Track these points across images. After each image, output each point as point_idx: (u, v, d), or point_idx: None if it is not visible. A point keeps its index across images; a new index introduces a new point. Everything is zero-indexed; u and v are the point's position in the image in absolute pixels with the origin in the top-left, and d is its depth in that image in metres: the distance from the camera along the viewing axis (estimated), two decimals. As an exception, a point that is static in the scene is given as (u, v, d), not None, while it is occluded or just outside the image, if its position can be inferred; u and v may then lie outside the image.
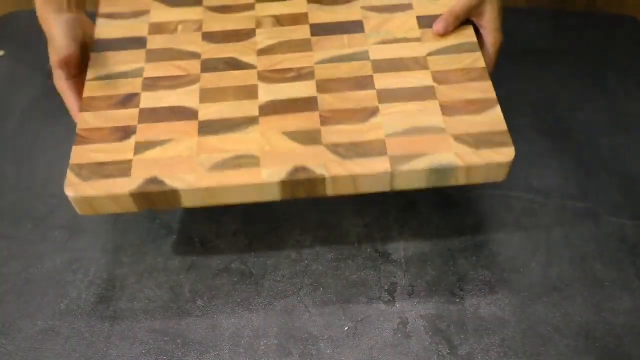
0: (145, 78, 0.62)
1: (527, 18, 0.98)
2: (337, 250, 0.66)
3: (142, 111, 0.60)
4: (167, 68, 0.63)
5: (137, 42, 0.66)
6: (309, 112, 0.59)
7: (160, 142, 0.57)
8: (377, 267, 0.64)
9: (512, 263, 0.64)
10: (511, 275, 0.63)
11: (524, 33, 0.94)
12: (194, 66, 0.63)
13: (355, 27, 0.66)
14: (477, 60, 0.62)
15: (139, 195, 0.54)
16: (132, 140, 0.57)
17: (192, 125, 0.58)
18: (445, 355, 0.57)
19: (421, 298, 0.61)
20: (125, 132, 0.58)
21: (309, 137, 0.57)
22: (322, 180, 0.55)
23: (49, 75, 0.64)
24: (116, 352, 0.59)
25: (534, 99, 0.83)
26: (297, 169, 0.55)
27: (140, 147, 0.57)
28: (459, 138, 0.56)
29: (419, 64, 0.62)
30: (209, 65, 0.63)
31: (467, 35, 0.64)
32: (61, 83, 0.62)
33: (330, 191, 0.56)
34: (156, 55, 0.64)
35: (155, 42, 0.66)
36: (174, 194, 0.54)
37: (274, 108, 0.59)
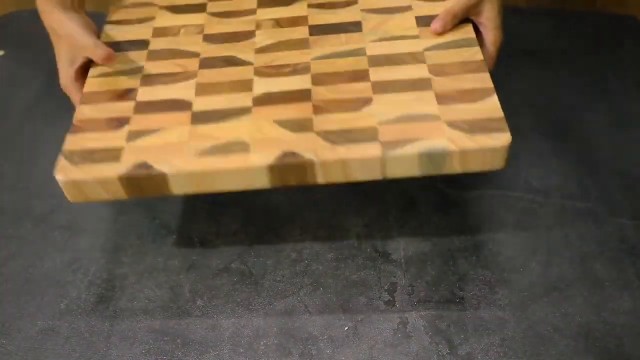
0: (144, 75, 0.63)
1: (527, 18, 0.98)
2: (337, 250, 0.66)
3: (138, 104, 0.60)
4: (167, 66, 0.64)
5: (140, 44, 0.67)
6: (302, 103, 0.58)
7: (153, 131, 0.57)
8: (377, 267, 0.64)
9: (512, 263, 0.64)
10: (511, 275, 0.63)
11: (524, 33, 0.94)
12: (192, 64, 0.64)
13: (353, 27, 0.66)
14: (475, 54, 0.61)
15: (127, 180, 0.54)
16: (126, 130, 0.58)
17: (186, 116, 0.58)
18: (445, 355, 0.57)
19: (421, 298, 0.61)
20: (119, 122, 0.58)
21: (300, 125, 0.56)
22: (311, 165, 0.54)
23: (52, 75, 0.64)
24: (116, 352, 0.59)
25: (534, 99, 0.83)
26: (286, 154, 0.54)
27: (132, 136, 0.57)
28: (453, 124, 0.55)
29: (415, 58, 0.62)
30: (207, 63, 0.64)
31: (466, 32, 0.64)
32: (69, 82, 0.63)
33: (321, 178, 0.55)
34: (157, 55, 0.65)
35: (158, 43, 0.67)
36: (162, 178, 0.54)
37: (267, 99, 0.59)
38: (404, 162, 0.54)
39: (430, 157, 0.53)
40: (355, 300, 0.61)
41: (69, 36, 0.62)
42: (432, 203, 0.70)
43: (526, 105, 0.82)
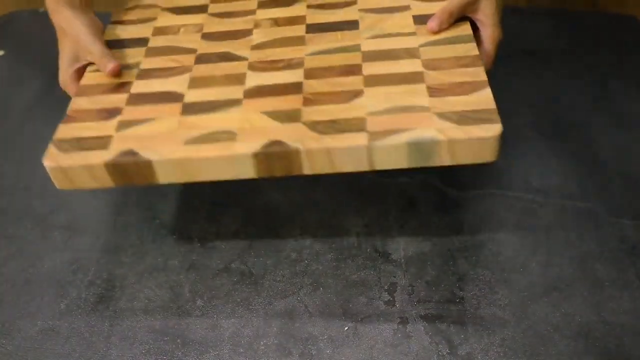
0: (141, 70, 0.64)
1: (527, 18, 0.98)
2: (337, 250, 0.66)
3: (131, 96, 0.61)
4: (163, 61, 0.65)
5: (140, 42, 0.68)
6: (292, 95, 0.59)
7: (143, 121, 0.58)
8: (377, 267, 0.64)
9: (512, 263, 0.64)
10: (511, 275, 0.63)
11: (524, 33, 0.94)
12: (188, 59, 0.65)
13: (350, 25, 0.67)
14: (470, 49, 0.61)
15: (113, 167, 0.54)
16: (117, 120, 0.58)
17: (177, 107, 0.59)
18: (445, 355, 0.57)
19: (421, 298, 0.61)
20: (111, 113, 0.59)
21: (288, 116, 0.56)
22: (297, 154, 0.53)
23: (52, 75, 0.64)
24: (116, 352, 0.59)
25: (534, 99, 0.83)
26: (272, 143, 0.54)
27: (122, 125, 0.58)
28: (443, 115, 0.54)
29: (410, 53, 0.62)
30: (203, 59, 0.65)
31: (463, 29, 0.64)
32: (69, 80, 0.64)
33: (307, 168, 0.54)
34: (155, 52, 0.66)
35: (157, 41, 0.68)
36: (148, 165, 0.54)
37: (258, 92, 0.60)
38: (392, 153, 0.53)
39: (418, 147, 0.53)
40: (355, 300, 0.61)
41: (75, 36, 0.63)
42: (432, 203, 0.70)
43: (526, 105, 0.82)
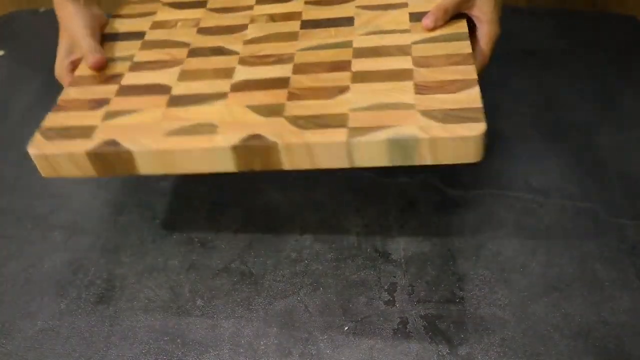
0: (134, 62, 0.65)
1: (527, 18, 0.98)
2: (337, 250, 0.66)
3: (121, 87, 0.62)
4: (157, 54, 0.66)
5: (137, 36, 0.69)
6: (278, 90, 0.58)
7: (129, 112, 0.58)
8: (377, 267, 0.64)
9: (512, 263, 0.64)
10: (511, 275, 0.63)
11: (524, 33, 0.94)
12: (181, 53, 0.65)
13: (345, 21, 0.67)
14: (463, 47, 0.60)
15: (95, 156, 0.55)
16: (104, 110, 0.59)
17: (163, 99, 0.59)
18: (445, 355, 0.57)
19: (421, 298, 0.61)
20: (99, 103, 0.60)
21: (271, 110, 0.56)
22: (275, 148, 0.53)
23: (52, 75, 0.65)
24: (116, 352, 0.59)
25: (533, 99, 0.83)
26: (251, 137, 0.53)
27: (108, 115, 0.58)
28: (427, 113, 0.53)
29: (402, 50, 0.61)
30: (195, 52, 0.65)
31: (459, 26, 0.63)
32: (64, 72, 0.65)
33: (286, 163, 0.54)
34: (150, 45, 0.67)
35: (153, 35, 0.69)
36: (128, 156, 0.55)
37: (245, 86, 0.60)
38: (372, 150, 0.52)
39: (398, 144, 0.52)
40: (355, 300, 0.61)
41: (71, 30, 0.65)
42: (432, 203, 0.70)
43: (526, 105, 0.81)
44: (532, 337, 0.58)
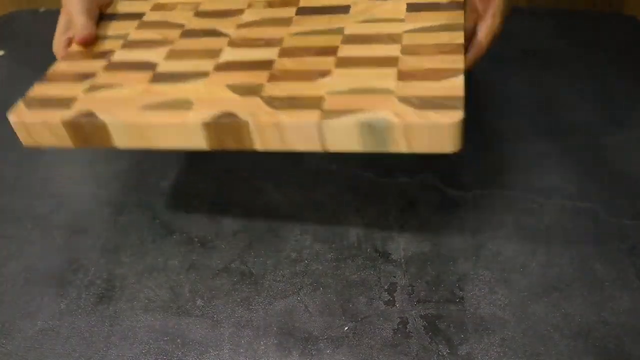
0: (127, 40, 0.66)
1: (527, 18, 0.98)
2: (337, 250, 0.66)
3: (110, 63, 0.63)
4: (150, 34, 0.67)
5: (135, 16, 0.70)
6: (260, 71, 0.59)
7: (111, 86, 0.59)
8: (377, 267, 0.64)
9: (512, 263, 0.64)
10: (511, 275, 0.63)
11: (524, 33, 0.94)
12: (174, 34, 0.66)
13: (342, 10, 0.67)
14: (456, 38, 0.59)
15: (71, 126, 0.56)
16: (88, 83, 0.60)
17: (147, 76, 0.60)
18: (445, 355, 0.57)
19: (421, 298, 0.61)
20: (85, 77, 0.61)
21: (249, 90, 0.56)
22: (246, 127, 0.53)
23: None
24: (116, 352, 0.59)
25: (533, 99, 0.83)
26: (224, 114, 0.54)
27: (91, 88, 0.59)
28: (405, 100, 0.52)
29: (392, 39, 0.61)
30: (188, 34, 0.66)
31: (455, 17, 0.62)
32: (60, 49, 0.67)
33: (258, 143, 0.54)
34: (146, 25, 0.69)
35: (151, 16, 0.70)
36: (103, 128, 0.55)
37: (228, 66, 0.60)
38: (344, 133, 0.51)
39: (371, 129, 0.51)
40: (355, 300, 0.61)
41: (68, 7, 0.67)
42: (432, 203, 0.70)
43: (526, 105, 0.82)
44: (532, 337, 0.58)
